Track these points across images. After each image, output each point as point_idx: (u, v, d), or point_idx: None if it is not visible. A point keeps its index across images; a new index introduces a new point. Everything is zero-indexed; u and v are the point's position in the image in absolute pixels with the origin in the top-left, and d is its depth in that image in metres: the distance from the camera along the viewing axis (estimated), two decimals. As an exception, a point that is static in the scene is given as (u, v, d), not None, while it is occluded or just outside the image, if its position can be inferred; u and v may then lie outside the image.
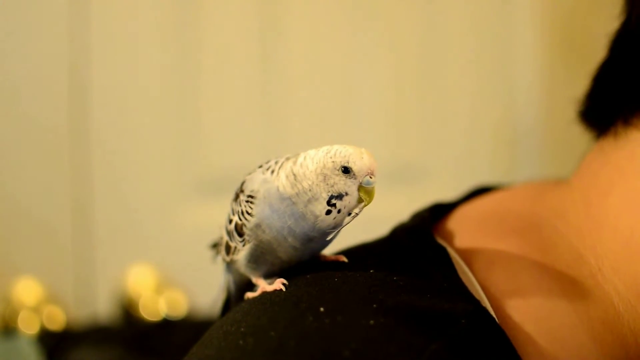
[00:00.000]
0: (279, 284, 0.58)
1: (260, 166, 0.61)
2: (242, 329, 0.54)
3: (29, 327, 1.33)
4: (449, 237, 0.64)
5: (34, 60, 1.35)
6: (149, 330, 1.30)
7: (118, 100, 1.39)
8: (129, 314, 1.38)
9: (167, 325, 1.34)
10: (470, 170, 1.54)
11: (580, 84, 0.66)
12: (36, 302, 1.35)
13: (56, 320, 1.35)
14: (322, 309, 0.53)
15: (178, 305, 1.41)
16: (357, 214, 0.58)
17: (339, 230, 0.59)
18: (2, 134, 1.34)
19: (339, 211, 0.58)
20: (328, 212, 0.57)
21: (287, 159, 0.60)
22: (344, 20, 1.48)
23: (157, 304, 1.40)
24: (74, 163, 1.37)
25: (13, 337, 1.20)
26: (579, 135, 0.68)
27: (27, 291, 1.35)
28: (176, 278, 1.41)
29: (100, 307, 1.39)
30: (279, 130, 1.45)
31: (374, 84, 1.50)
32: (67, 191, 1.37)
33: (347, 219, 0.58)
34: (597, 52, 0.65)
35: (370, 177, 0.57)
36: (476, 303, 0.56)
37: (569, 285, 0.60)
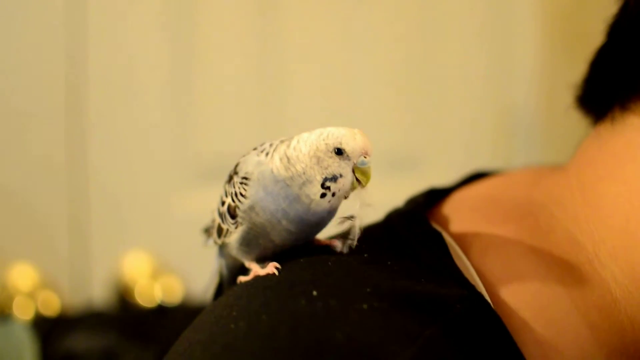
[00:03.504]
0: (271, 267, 0.58)
1: (255, 148, 0.60)
2: (234, 313, 0.54)
3: (24, 312, 1.33)
4: (444, 222, 0.64)
5: (30, 48, 1.34)
6: (143, 316, 1.30)
7: (114, 87, 1.38)
8: (124, 300, 1.38)
9: (162, 311, 1.33)
10: (469, 157, 1.53)
11: (580, 71, 0.66)
12: (31, 288, 1.35)
13: (51, 305, 1.35)
14: (315, 293, 0.53)
15: (173, 292, 1.40)
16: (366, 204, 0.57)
17: (334, 214, 0.59)
18: None
19: (333, 194, 0.57)
20: (323, 195, 0.57)
21: (282, 142, 0.59)
22: (343, 8, 1.47)
23: (153, 290, 1.39)
24: (70, 149, 1.37)
25: (7, 322, 1.19)
26: (579, 122, 0.67)
27: (22, 277, 1.35)
28: (172, 264, 1.41)
29: (96, 293, 1.38)
30: (276, 117, 1.44)
31: (372, 73, 1.49)
32: (62, 177, 1.37)
33: (365, 198, 0.57)
34: (597, 38, 0.64)
35: (365, 157, 0.57)
36: (471, 288, 0.56)
37: (566, 271, 0.59)
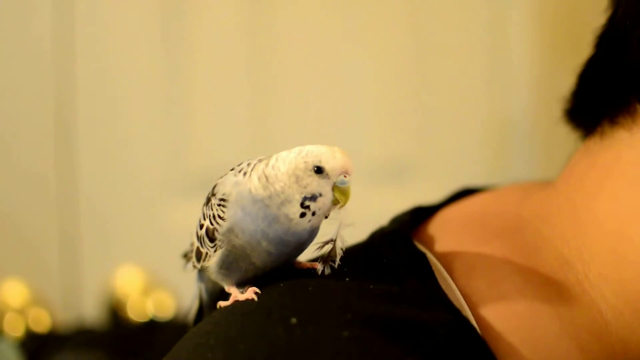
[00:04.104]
0: (251, 292, 0.56)
1: (232, 169, 0.58)
2: (212, 342, 0.52)
3: (13, 329, 1.32)
4: (430, 242, 0.62)
5: (18, 58, 1.34)
6: (133, 332, 1.29)
7: (104, 100, 1.38)
8: (116, 316, 1.37)
9: (153, 327, 1.32)
10: (463, 169, 1.52)
11: (573, 82, 0.64)
12: (22, 304, 1.34)
13: (42, 322, 1.34)
14: (293, 320, 0.51)
15: (165, 307, 1.39)
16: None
17: (315, 234, 0.57)
18: None
19: (313, 213, 0.55)
20: (302, 215, 0.55)
21: (260, 160, 0.57)
22: (334, 15, 1.46)
23: (145, 305, 1.38)
24: (60, 163, 1.36)
25: (-5, 340, 1.18)
26: (571, 134, 0.65)
27: (12, 293, 1.34)
28: (163, 279, 1.40)
29: (87, 309, 1.37)
30: (268, 129, 1.43)
31: (365, 82, 1.48)
32: (52, 192, 1.36)
33: (345, 218, 0.56)
34: (589, 49, 0.62)
35: (345, 177, 0.55)
36: (456, 312, 0.54)
37: (554, 292, 0.58)
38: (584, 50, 0.63)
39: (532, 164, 1.54)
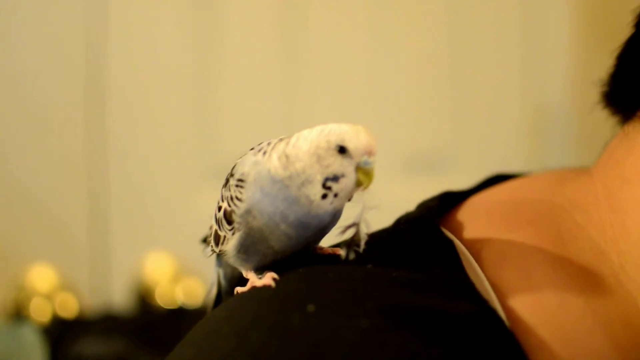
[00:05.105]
0: (269, 278, 0.53)
1: (252, 148, 0.56)
2: (225, 329, 0.50)
3: (40, 314, 1.31)
4: (458, 229, 0.59)
5: (50, 51, 1.34)
6: (160, 319, 1.27)
7: (134, 88, 1.38)
8: (145, 303, 1.36)
9: (180, 315, 1.31)
10: (496, 156, 1.49)
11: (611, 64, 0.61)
12: (50, 289, 1.34)
13: (68, 308, 1.33)
14: (311, 308, 0.48)
15: (195, 294, 1.38)
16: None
17: (338, 218, 0.54)
18: (19, 123, 1.34)
19: (335, 195, 0.52)
20: (324, 196, 0.52)
21: (280, 140, 0.55)
22: (369, 5, 1.44)
23: (174, 292, 1.38)
24: (90, 150, 1.36)
25: (19, 324, 1.17)
26: (609, 121, 0.62)
27: (41, 278, 1.34)
28: (193, 267, 1.39)
29: (116, 296, 1.37)
30: (299, 117, 1.41)
31: (398, 72, 1.46)
32: (83, 178, 1.36)
33: (369, 200, 0.53)
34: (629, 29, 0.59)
35: (369, 157, 0.52)
36: (483, 303, 0.51)
37: (588, 283, 0.55)
38: (623, 33, 0.59)
39: (569, 152, 1.50)
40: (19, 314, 1.31)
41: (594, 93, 0.62)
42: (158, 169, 1.39)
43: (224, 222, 0.56)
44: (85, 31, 1.34)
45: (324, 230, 0.55)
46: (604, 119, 0.62)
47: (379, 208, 0.53)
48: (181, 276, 1.39)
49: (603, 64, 0.61)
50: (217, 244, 0.58)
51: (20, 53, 1.33)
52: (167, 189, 1.40)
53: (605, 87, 0.60)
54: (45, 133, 1.34)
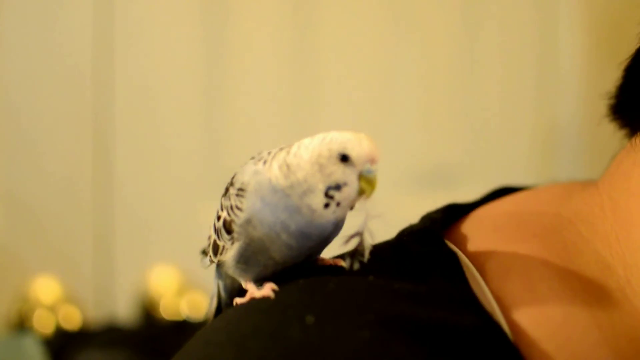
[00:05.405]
0: (268, 289, 0.53)
1: (253, 157, 0.55)
2: (223, 340, 0.49)
3: (43, 326, 1.31)
4: (462, 241, 0.58)
5: (57, 64, 1.34)
6: (163, 332, 1.26)
7: (141, 99, 1.37)
8: (149, 315, 1.35)
9: (184, 327, 1.30)
10: (509, 171, 1.49)
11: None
12: (53, 301, 1.33)
13: (72, 320, 1.33)
14: (310, 319, 0.48)
15: (199, 308, 1.37)
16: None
17: (339, 228, 0.54)
18: (25, 133, 1.34)
19: (337, 204, 0.52)
20: (326, 206, 0.52)
21: (281, 149, 0.54)
22: (378, 18, 1.44)
23: (178, 305, 1.37)
24: (96, 162, 1.36)
25: (22, 336, 1.17)
26: (621, 136, 0.61)
27: (44, 290, 1.34)
28: (198, 280, 1.38)
29: (120, 309, 1.37)
30: (307, 130, 1.40)
31: (411, 86, 1.45)
32: (87, 190, 1.36)
33: (371, 209, 0.52)
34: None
35: (371, 165, 0.52)
36: (486, 316, 0.50)
37: (593, 297, 0.54)
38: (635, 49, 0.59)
39: (581, 168, 1.50)
40: (22, 325, 1.31)
41: (604, 108, 0.62)
42: (163, 182, 1.38)
43: (223, 231, 0.55)
44: (92, 42, 1.33)
45: (326, 240, 0.54)
46: (616, 135, 0.61)
47: (382, 217, 0.52)
48: (186, 289, 1.38)
49: (615, 79, 0.60)
50: (215, 254, 0.57)
51: (25, 62, 1.33)
52: (172, 202, 1.39)
53: (613, 99, 0.59)
54: (51, 144, 1.34)
